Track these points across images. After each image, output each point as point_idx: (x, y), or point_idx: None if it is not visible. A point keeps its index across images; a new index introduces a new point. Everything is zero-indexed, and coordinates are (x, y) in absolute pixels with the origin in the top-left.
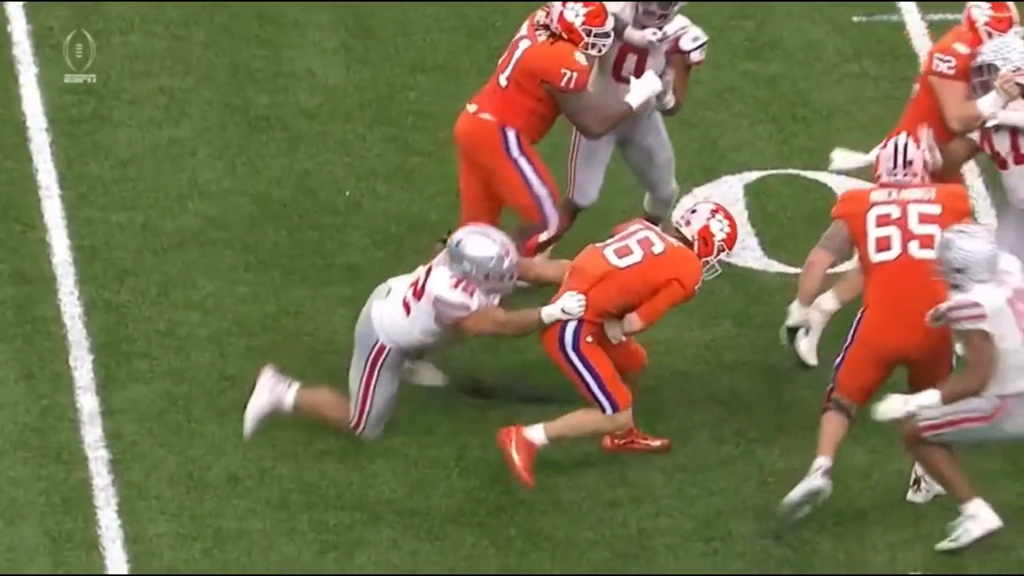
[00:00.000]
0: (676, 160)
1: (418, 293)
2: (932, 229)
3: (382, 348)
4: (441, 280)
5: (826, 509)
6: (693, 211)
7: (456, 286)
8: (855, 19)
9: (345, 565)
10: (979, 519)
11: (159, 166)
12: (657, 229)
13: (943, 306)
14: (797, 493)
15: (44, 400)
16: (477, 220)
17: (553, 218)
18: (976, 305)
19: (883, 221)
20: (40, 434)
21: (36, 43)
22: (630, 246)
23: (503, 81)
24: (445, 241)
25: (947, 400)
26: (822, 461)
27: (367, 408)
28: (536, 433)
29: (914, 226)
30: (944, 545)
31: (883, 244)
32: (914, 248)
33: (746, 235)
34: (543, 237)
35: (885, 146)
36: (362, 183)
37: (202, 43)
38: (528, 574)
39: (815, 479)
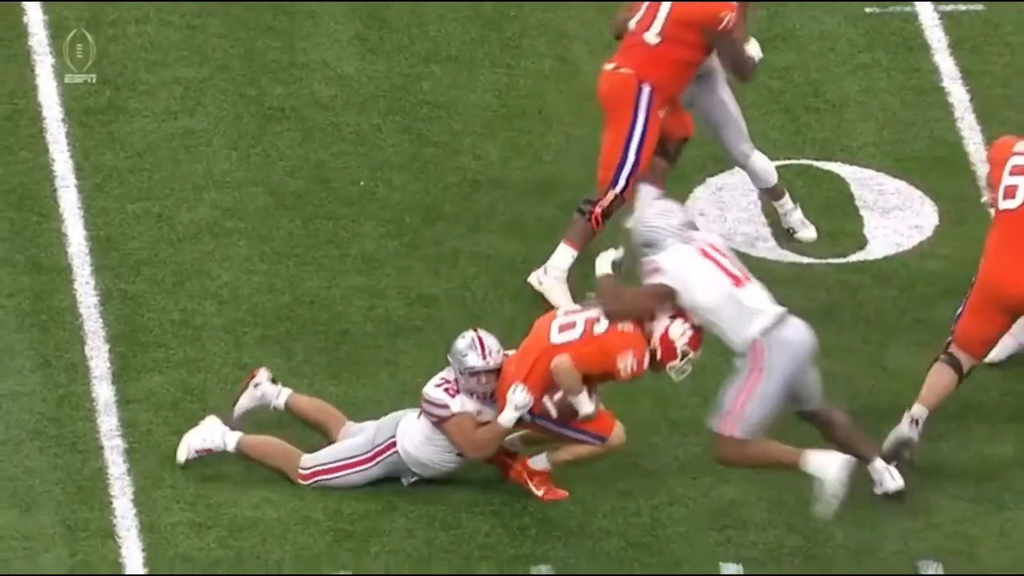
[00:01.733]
0: (689, 151)
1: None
2: None
3: (392, 445)
4: (435, 378)
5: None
6: (651, 317)
7: (441, 384)
8: (868, 10)
9: (360, 554)
10: (825, 466)
11: (174, 156)
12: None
13: None
14: (888, 444)
15: (60, 389)
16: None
17: (622, 184)
18: None
19: (1017, 170)
20: (56, 423)
21: (52, 34)
22: (576, 321)
23: (653, 39)
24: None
25: None
26: (918, 410)
27: (333, 477)
28: (540, 462)
29: None
30: (821, 509)
31: (1009, 192)
32: None
33: (760, 226)
34: (606, 201)
35: None
36: (376, 173)
37: (217, 34)
38: (542, 562)
39: (903, 428)
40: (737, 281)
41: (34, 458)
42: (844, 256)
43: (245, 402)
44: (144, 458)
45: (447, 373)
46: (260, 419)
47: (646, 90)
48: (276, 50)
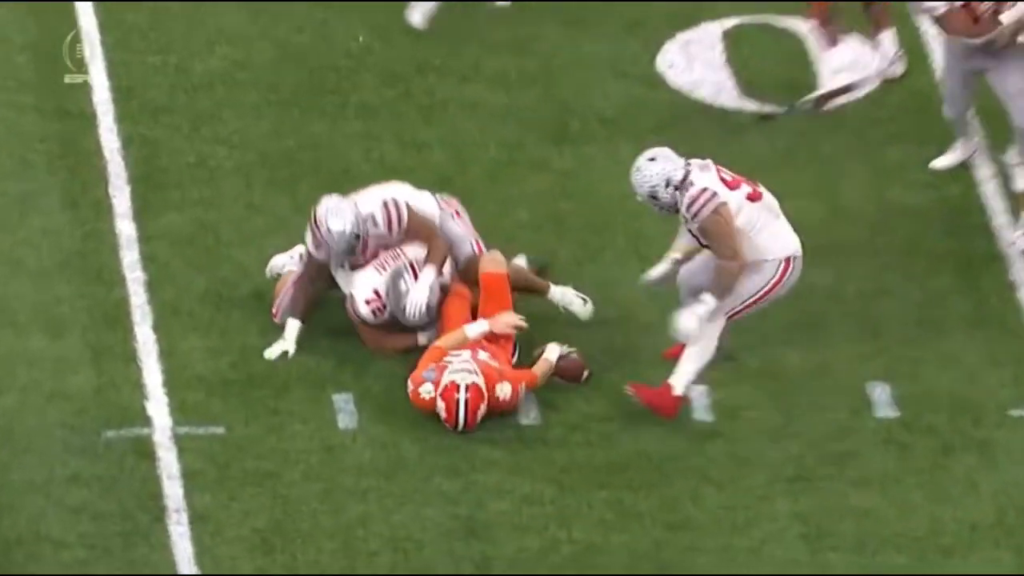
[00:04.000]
0: (658, 8)
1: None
2: None
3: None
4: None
5: (794, 323)
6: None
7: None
8: None
9: (360, 376)
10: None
11: (189, 14)
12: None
13: None
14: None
15: (86, 226)
16: None
17: None
18: None
19: None
20: (82, 257)
21: None
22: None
23: None
24: None
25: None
26: None
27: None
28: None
29: None
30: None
31: None
32: None
33: (724, 77)
34: None
35: None
36: (373, 32)
37: None
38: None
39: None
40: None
41: (63, 288)
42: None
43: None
44: (163, 289)
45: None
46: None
47: None
48: None
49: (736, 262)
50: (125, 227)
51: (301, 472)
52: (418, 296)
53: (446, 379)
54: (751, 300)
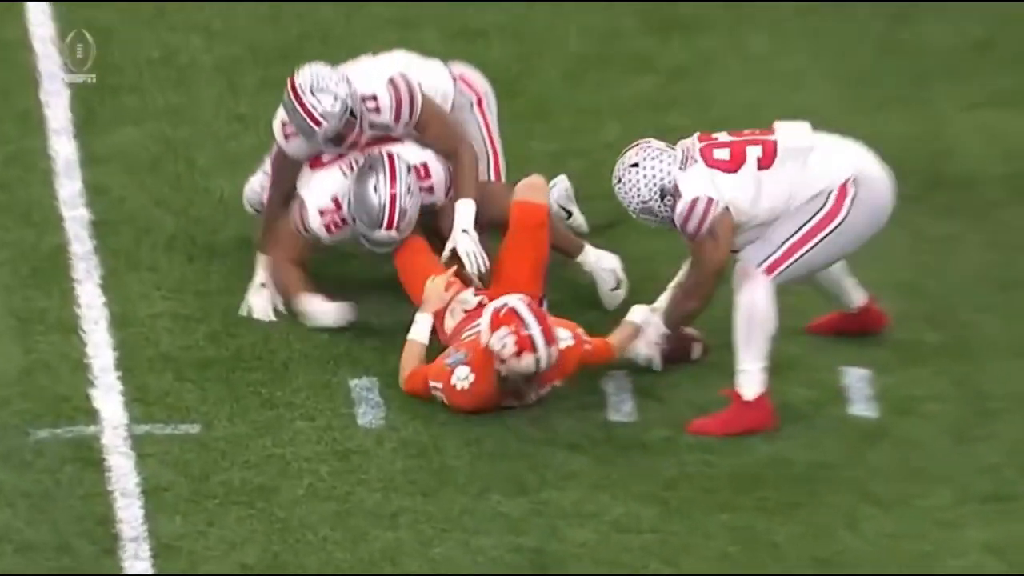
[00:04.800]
0: None
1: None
2: None
3: None
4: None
5: (990, 280)
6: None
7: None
8: None
9: (387, 353)
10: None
11: None
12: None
13: None
14: None
15: (8, 146)
16: None
17: None
18: None
19: None
20: (4, 189)
21: None
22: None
23: None
24: None
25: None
26: None
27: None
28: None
29: None
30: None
31: None
32: None
33: None
34: None
35: None
36: None
37: None
38: None
39: None
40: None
41: None
42: None
43: None
44: (115, 233)
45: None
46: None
47: None
48: None
49: (715, 272)
50: (63, 147)
51: (306, 487)
52: (382, 195)
53: (486, 319)
54: (791, 244)
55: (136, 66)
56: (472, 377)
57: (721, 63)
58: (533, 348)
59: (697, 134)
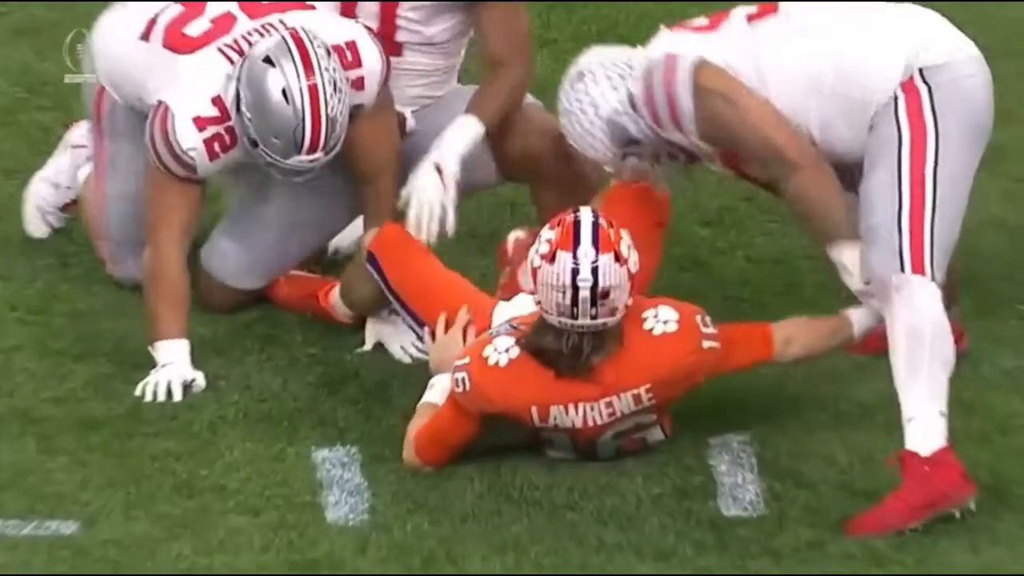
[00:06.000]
0: None
1: None
2: None
3: None
4: None
5: None
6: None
7: None
8: None
9: (372, 404)
10: None
11: None
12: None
13: None
14: None
15: None
16: None
17: None
18: None
19: None
20: None
21: None
22: None
23: None
24: None
25: None
26: None
27: None
28: None
29: None
30: None
31: None
32: None
33: None
34: None
35: None
36: None
37: None
38: None
39: None
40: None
41: None
42: None
43: None
44: None
45: None
46: None
47: None
48: None
49: (808, 167)
50: None
51: None
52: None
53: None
54: (909, 209)
55: None
56: (515, 352)
57: None
58: (574, 242)
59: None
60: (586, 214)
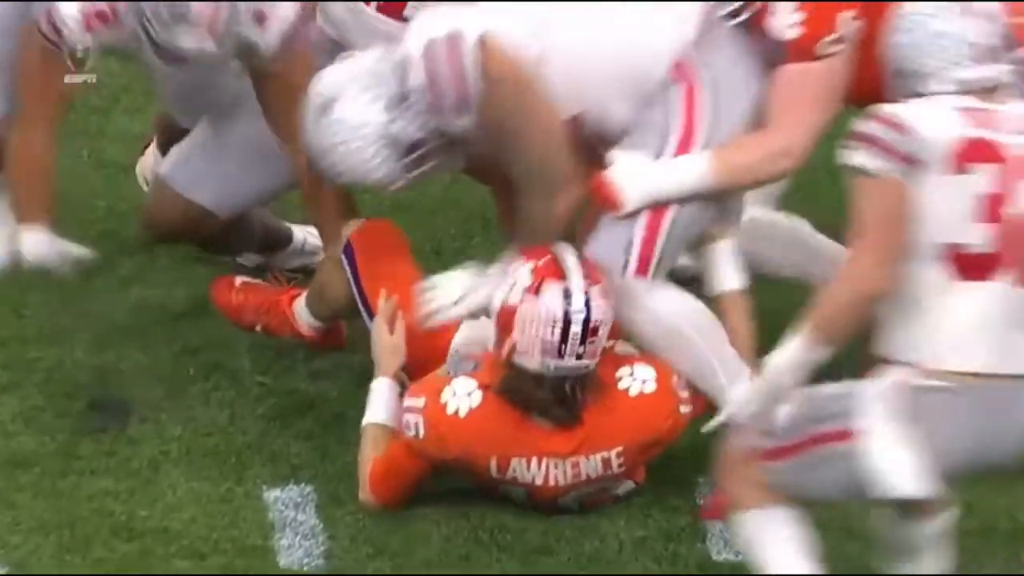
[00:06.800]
0: None
1: None
2: None
3: None
4: None
5: None
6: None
7: None
8: None
9: (331, 440)
10: None
11: None
12: None
13: None
14: None
15: None
16: None
17: None
18: None
19: None
20: None
21: None
22: None
23: None
24: None
25: None
26: None
27: None
28: None
29: None
30: None
31: None
32: None
33: None
34: None
35: None
36: None
37: None
38: None
39: None
40: None
41: None
42: None
43: None
44: None
45: None
46: None
47: None
48: None
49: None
50: None
51: None
52: None
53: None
54: None
55: None
56: (477, 398)
57: None
58: (562, 275)
59: None
60: (563, 248)
